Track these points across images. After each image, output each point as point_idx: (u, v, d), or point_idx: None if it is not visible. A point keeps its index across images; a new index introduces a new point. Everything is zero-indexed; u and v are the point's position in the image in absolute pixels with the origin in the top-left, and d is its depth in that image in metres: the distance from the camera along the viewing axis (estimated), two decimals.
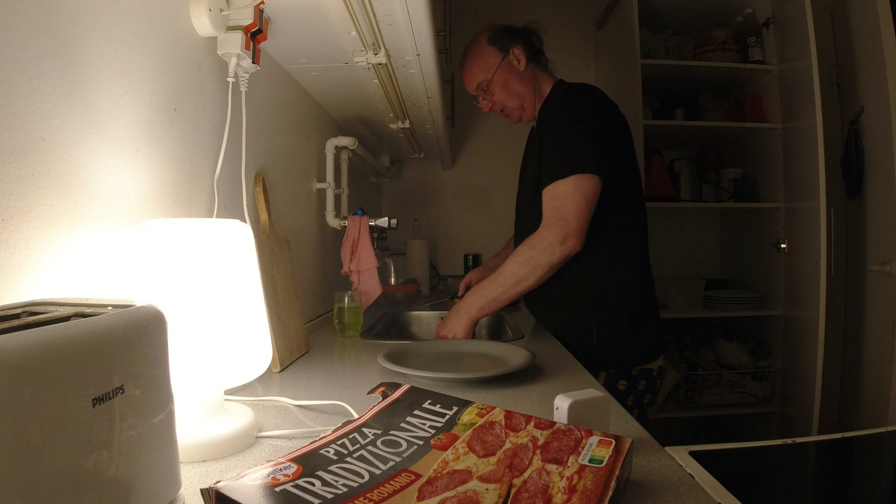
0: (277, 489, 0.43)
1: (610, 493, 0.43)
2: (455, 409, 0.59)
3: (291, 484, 0.44)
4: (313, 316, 1.47)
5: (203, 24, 0.82)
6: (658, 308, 1.38)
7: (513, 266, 1.22)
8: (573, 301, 1.31)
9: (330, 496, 0.43)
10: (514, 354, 1.01)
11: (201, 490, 0.44)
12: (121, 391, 0.35)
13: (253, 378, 0.64)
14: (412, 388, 0.65)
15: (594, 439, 0.51)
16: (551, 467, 0.47)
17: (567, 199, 1.18)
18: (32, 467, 0.29)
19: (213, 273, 0.59)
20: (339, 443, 0.52)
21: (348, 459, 0.49)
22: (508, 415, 0.57)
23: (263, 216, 1.06)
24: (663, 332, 1.37)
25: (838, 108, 1.96)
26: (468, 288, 1.61)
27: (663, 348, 1.36)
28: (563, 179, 1.19)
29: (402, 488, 0.45)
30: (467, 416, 0.58)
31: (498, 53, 1.36)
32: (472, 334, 1.28)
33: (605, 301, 1.29)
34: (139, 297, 0.49)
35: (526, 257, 1.21)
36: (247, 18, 0.86)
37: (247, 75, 0.93)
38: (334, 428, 0.56)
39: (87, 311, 0.39)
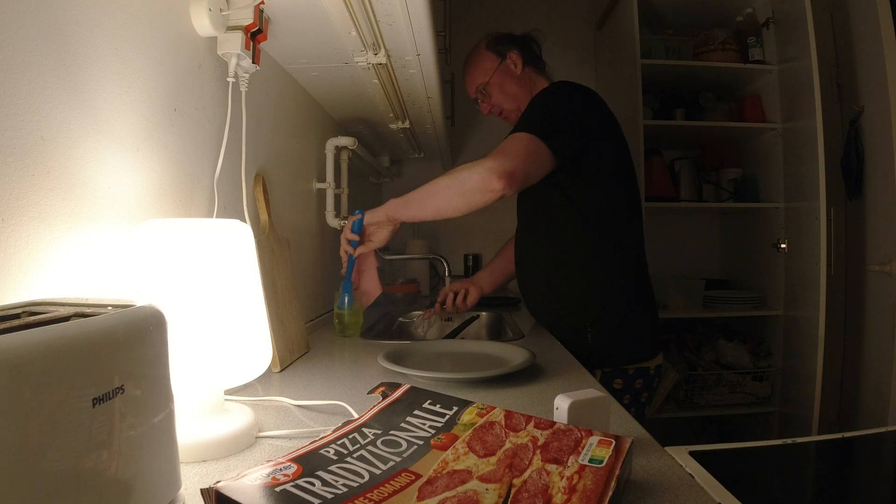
0: (277, 489, 0.43)
1: (610, 493, 0.43)
2: (455, 409, 0.59)
3: (291, 484, 0.44)
4: (313, 316, 1.47)
5: (203, 24, 0.82)
6: (655, 307, 1.39)
7: (439, 177, 1.18)
8: (566, 297, 1.33)
9: (330, 496, 0.43)
10: (514, 354, 1.01)
11: (201, 490, 0.44)
12: (121, 391, 0.35)
13: (253, 378, 0.64)
14: (412, 388, 0.65)
15: (594, 439, 0.51)
16: (551, 467, 0.47)
17: (520, 144, 1.15)
18: (32, 467, 0.29)
19: (213, 273, 0.59)
20: (339, 443, 0.52)
21: (348, 459, 0.49)
22: (508, 415, 0.57)
23: (263, 216, 1.06)
24: (660, 331, 1.37)
25: (838, 108, 1.96)
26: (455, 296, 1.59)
27: (660, 347, 1.36)
28: (521, 133, 1.17)
29: (402, 488, 0.45)
30: (467, 416, 0.58)
31: (495, 58, 1.42)
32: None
33: (597, 297, 1.30)
34: (139, 297, 0.49)
35: (452, 171, 1.17)
36: (247, 18, 0.86)
37: (247, 75, 0.93)
38: (334, 428, 0.56)
39: (87, 311, 0.39)
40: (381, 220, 1.23)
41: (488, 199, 1.12)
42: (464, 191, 1.13)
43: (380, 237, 1.26)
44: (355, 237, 1.24)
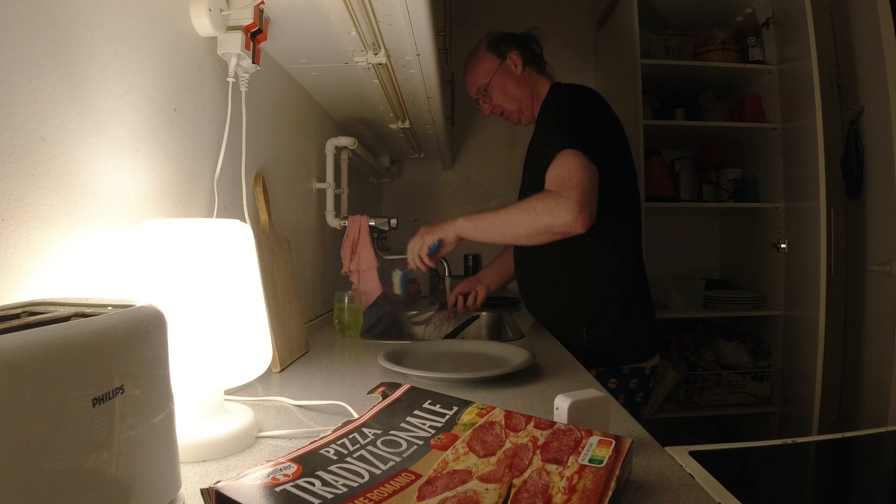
0: (277, 489, 0.43)
1: (610, 493, 0.43)
2: (455, 409, 0.59)
3: (291, 484, 0.44)
4: (313, 316, 1.47)
5: (203, 24, 0.82)
6: (653, 309, 1.39)
7: (515, 209, 1.19)
8: (565, 297, 1.34)
9: (330, 496, 0.43)
10: (514, 354, 1.01)
11: (201, 490, 0.44)
12: (121, 391, 0.35)
13: (253, 378, 0.64)
14: (412, 388, 0.65)
15: (594, 439, 0.51)
16: (551, 467, 0.47)
17: (579, 171, 1.12)
18: (32, 467, 0.29)
19: (213, 273, 0.59)
20: (339, 443, 0.52)
21: (348, 459, 0.49)
22: (508, 415, 0.57)
23: (263, 216, 1.06)
24: (657, 332, 1.38)
25: (838, 108, 1.96)
26: (463, 297, 1.61)
27: (657, 348, 1.36)
28: (568, 151, 1.14)
29: (402, 488, 0.45)
30: (467, 416, 0.58)
31: (495, 59, 1.41)
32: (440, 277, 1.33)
33: (596, 297, 1.30)
34: (139, 297, 0.49)
35: (531, 206, 1.16)
36: (247, 18, 0.86)
37: (247, 75, 0.93)
38: (334, 428, 0.56)
39: (87, 311, 0.39)
40: (453, 239, 1.28)
41: (567, 234, 1.14)
42: (546, 230, 1.14)
43: (446, 249, 1.33)
44: (430, 261, 1.33)
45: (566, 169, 1.14)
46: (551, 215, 1.12)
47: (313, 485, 0.44)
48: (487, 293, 1.61)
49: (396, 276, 1.40)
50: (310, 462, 0.48)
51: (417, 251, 1.30)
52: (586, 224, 1.10)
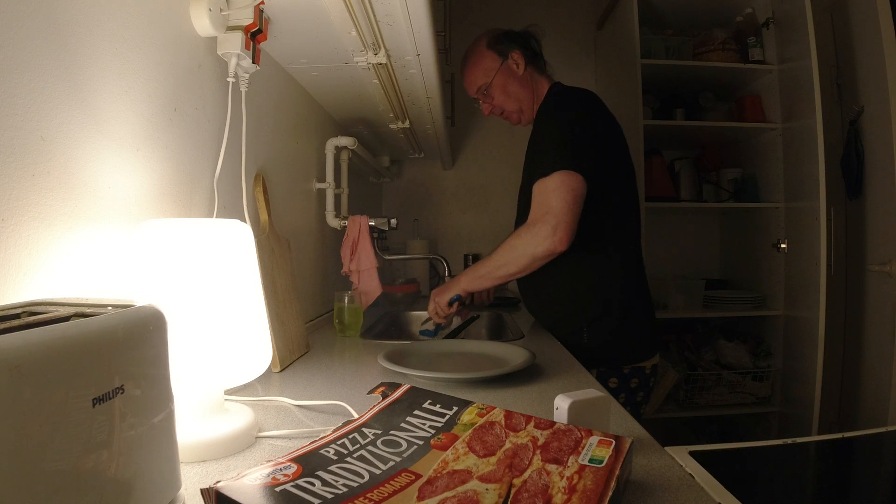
0: (277, 489, 0.43)
1: (610, 493, 0.43)
2: (455, 409, 0.59)
3: (291, 484, 0.44)
4: (313, 316, 1.47)
5: (203, 24, 0.82)
6: (653, 308, 1.39)
7: (500, 251, 1.28)
8: (564, 299, 1.34)
9: (330, 496, 0.43)
10: (514, 354, 1.01)
11: (201, 490, 0.44)
12: (121, 391, 0.35)
13: (253, 378, 0.64)
14: (412, 388, 0.65)
15: (594, 439, 0.51)
16: (551, 467, 0.47)
17: (554, 193, 1.19)
18: (32, 467, 0.29)
19: (213, 273, 0.59)
20: (339, 443, 0.52)
21: (348, 459, 0.49)
22: (508, 415, 0.57)
23: (263, 216, 1.06)
24: (657, 332, 1.38)
25: (838, 108, 1.96)
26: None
27: (657, 348, 1.36)
28: (549, 176, 1.20)
29: (402, 488, 0.45)
30: (467, 416, 0.58)
31: (497, 58, 1.39)
32: (463, 304, 1.40)
33: (594, 300, 1.31)
34: (139, 297, 0.49)
35: (511, 245, 1.25)
36: (247, 18, 0.86)
37: (247, 75, 0.93)
38: (334, 428, 0.56)
39: (87, 311, 0.39)
40: (462, 293, 1.38)
41: (552, 254, 1.22)
42: (534, 260, 1.23)
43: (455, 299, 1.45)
44: (451, 309, 1.41)
45: (542, 193, 1.22)
46: (533, 246, 1.21)
47: (313, 485, 0.44)
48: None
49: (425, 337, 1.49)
50: (310, 462, 0.48)
51: (438, 311, 1.40)
52: (566, 241, 1.18)
